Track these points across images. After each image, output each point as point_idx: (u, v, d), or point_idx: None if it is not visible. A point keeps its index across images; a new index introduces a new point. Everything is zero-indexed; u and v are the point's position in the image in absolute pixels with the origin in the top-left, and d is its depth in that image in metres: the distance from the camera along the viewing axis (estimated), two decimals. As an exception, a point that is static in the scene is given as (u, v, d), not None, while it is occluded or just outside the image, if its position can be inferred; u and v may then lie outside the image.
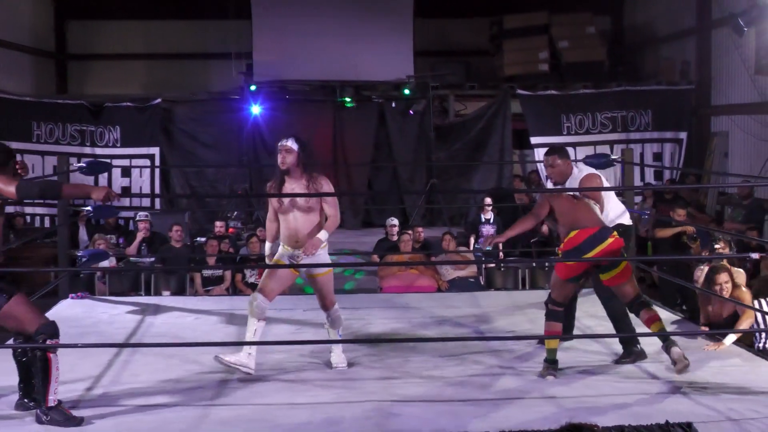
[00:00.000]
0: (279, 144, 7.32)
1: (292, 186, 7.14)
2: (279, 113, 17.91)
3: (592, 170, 7.49)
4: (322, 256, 7.18)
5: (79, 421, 5.80)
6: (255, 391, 6.57)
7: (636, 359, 7.19)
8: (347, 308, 9.26)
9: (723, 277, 7.93)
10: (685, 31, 17.83)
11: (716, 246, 9.36)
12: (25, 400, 6.12)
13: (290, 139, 7.27)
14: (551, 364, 6.86)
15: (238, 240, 13.82)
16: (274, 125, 17.66)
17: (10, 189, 5.64)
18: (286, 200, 7.10)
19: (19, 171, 6.14)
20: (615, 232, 7.03)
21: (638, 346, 7.26)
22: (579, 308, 8.09)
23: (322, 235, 7.04)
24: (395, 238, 12.66)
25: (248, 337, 6.92)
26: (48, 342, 5.77)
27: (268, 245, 7.46)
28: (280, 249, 7.24)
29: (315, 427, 5.68)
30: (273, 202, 7.32)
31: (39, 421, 5.73)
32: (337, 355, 7.20)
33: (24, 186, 5.70)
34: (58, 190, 5.84)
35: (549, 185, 7.98)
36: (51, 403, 5.78)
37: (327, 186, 7.24)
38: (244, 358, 6.84)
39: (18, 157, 6.03)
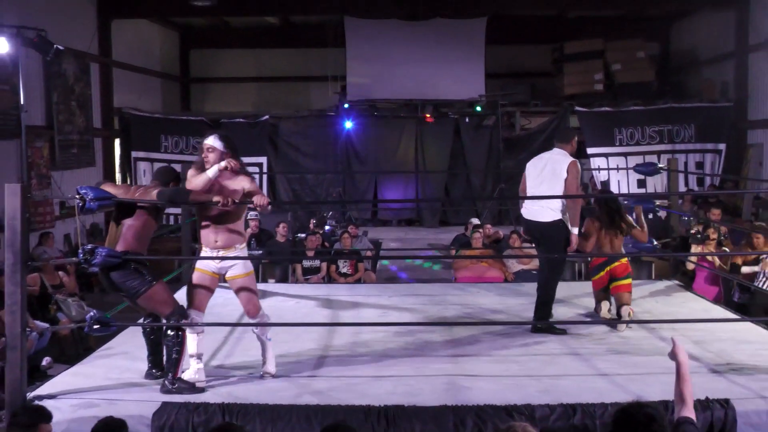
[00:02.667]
0: (202, 142, 6.18)
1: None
2: (368, 127, 18.00)
3: None
4: (241, 256, 6.27)
5: (201, 389, 5.88)
6: (347, 365, 6.58)
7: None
8: (425, 295, 9.31)
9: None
10: (724, 55, 17.50)
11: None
12: (153, 371, 6.23)
13: (213, 137, 6.18)
14: None
15: (332, 236, 13.88)
16: (364, 138, 17.76)
17: (152, 194, 5.90)
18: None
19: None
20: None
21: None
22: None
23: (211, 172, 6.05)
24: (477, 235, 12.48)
25: (192, 351, 6.04)
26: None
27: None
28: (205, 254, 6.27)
29: (398, 397, 5.66)
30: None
31: (166, 389, 5.82)
32: (270, 365, 6.30)
33: (161, 192, 5.91)
34: (187, 197, 5.96)
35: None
36: (180, 374, 5.89)
37: (249, 183, 6.20)
38: (194, 374, 6.01)
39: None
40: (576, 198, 7.60)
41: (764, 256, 9.20)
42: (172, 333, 5.92)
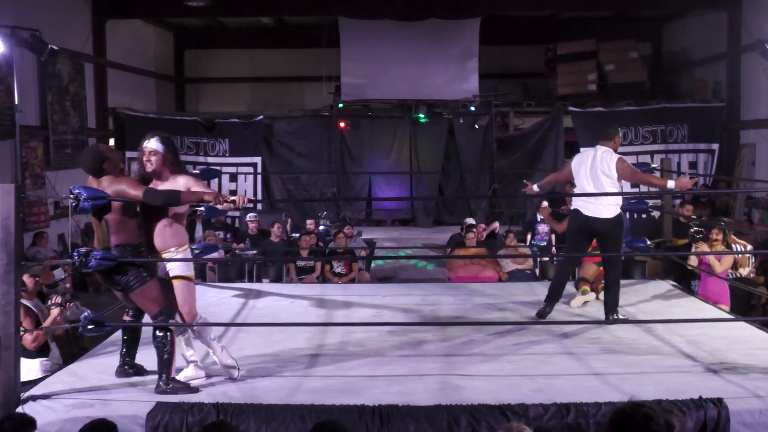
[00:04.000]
0: (142, 146, 6.01)
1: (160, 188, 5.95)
2: (362, 128, 17.98)
3: None
4: (173, 263, 6.01)
5: (196, 389, 5.86)
6: (341, 365, 6.57)
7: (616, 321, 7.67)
8: (420, 295, 9.29)
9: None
10: (717, 56, 17.52)
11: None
12: (126, 368, 6.21)
13: (154, 139, 6.00)
14: None
15: (326, 236, 13.86)
16: (358, 138, 17.74)
17: (138, 193, 5.78)
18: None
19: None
20: None
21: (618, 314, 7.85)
22: (622, 299, 8.14)
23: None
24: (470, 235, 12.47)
25: (189, 354, 6.16)
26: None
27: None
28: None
29: (392, 397, 5.64)
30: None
31: (160, 389, 5.80)
32: (190, 370, 6.13)
33: (150, 193, 5.81)
34: (178, 198, 5.88)
35: None
36: (173, 374, 5.87)
37: (194, 183, 6.01)
38: (192, 372, 6.11)
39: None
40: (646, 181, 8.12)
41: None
42: (160, 334, 5.88)
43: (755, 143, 15.69)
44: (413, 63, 18.16)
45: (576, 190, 8.08)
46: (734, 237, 9.98)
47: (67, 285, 6.85)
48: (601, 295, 8.25)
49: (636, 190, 14.72)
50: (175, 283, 6.00)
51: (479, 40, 18.34)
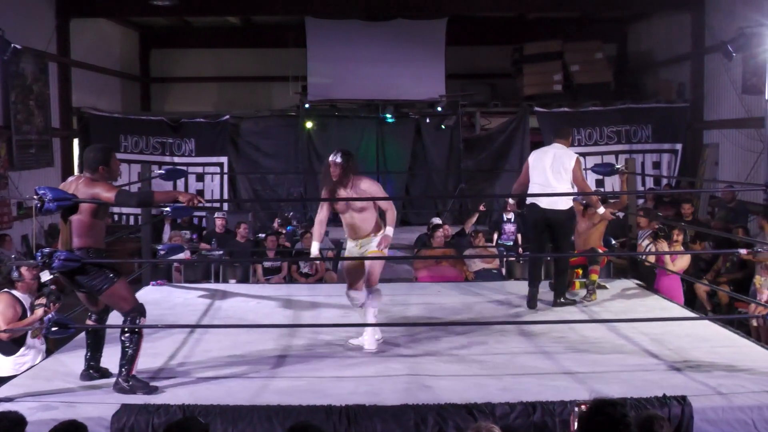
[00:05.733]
0: (329, 159, 7.26)
1: (341, 191, 7.20)
2: (329, 127, 17.96)
3: None
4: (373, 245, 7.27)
5: (155, 388, 5.84)
6: (308, 365, 6.58)
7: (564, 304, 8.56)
8: (387, 295, 9.29)
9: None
10: (681, 57, 17.67)
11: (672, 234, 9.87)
12: (91, 371, 6.19)
13: (338, 154, 7.22)
14: None
15: (293, 236, 13.83)
16: (325, 137, 17.71)
17: (110, 195, 5.75)
18: (343, 203, 7.20)
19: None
20: None
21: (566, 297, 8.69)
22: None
23: (389, 231, 7.25)
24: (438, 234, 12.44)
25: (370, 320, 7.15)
26: (139, 320, 5.90)
27: (316, 245, 7.39)
28: (348, 244, 7.44)
29: (359, 397, 5.66)
30: (334, 206, 7.41)
31: (120, 388, 5.77)
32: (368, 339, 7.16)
33: (123, 194, 5.81)
34: (152, 199, 5.95)
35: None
36: (134, 372, 5.85)
37: (371, 185, 7.31)
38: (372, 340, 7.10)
39: None
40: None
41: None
42: (128, 332, 5.87)
43: (718, 143, 15.86)
44: (380, 63, 18.16)
45: (535, 185, 8.49)
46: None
47: (53, 286, 6.90)
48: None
49: (601, 190, 14.86)
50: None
51: (446, 41, 18.38)
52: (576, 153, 8.69)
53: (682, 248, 10.08)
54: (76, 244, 5.85)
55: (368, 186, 7.27)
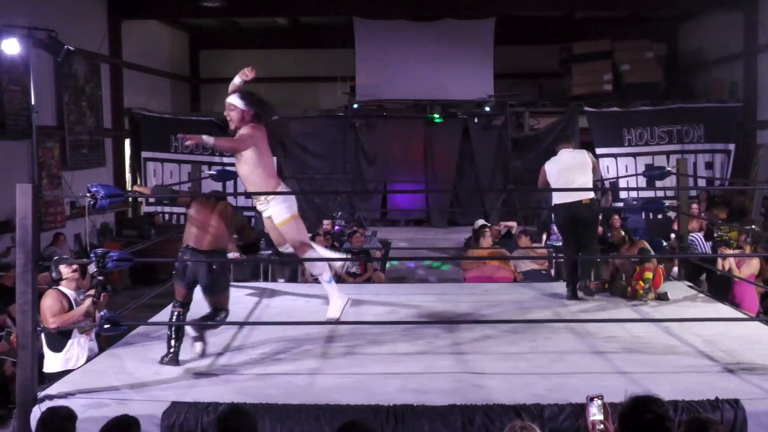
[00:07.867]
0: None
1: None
2: (377, 128, 17.98)
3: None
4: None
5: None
6: (355, 362, 6.57)
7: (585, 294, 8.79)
8: (434, 294, 9.28)
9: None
10: (733, 55, 17.44)
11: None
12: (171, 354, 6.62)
13: (235, 95, 7.97)
14: None
15: (341, 236, 13.85)
16: (373, 138, 17.74)
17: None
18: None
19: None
20: None
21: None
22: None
23: (206, 137, 7.54)
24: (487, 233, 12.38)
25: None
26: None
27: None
28: None
29: (407, 396, 5.64)
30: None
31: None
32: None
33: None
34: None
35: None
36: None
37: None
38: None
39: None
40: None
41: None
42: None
43: (772, 143, 15.64)
44: (428, 63, 18.15)
45: (561, 184, 8.78)
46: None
47: (100, 277, 6.98)
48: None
49: (651, 193, 14.67)
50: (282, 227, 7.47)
51: (494, 40, 18.33)
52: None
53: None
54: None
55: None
